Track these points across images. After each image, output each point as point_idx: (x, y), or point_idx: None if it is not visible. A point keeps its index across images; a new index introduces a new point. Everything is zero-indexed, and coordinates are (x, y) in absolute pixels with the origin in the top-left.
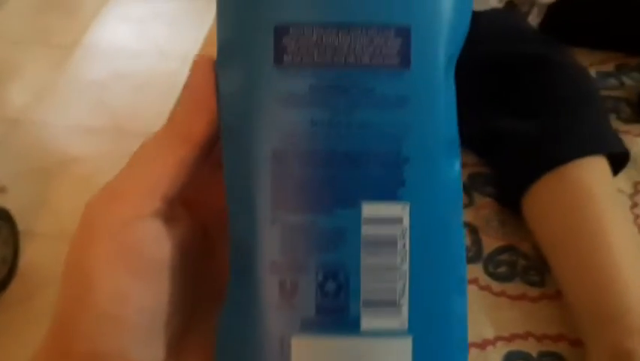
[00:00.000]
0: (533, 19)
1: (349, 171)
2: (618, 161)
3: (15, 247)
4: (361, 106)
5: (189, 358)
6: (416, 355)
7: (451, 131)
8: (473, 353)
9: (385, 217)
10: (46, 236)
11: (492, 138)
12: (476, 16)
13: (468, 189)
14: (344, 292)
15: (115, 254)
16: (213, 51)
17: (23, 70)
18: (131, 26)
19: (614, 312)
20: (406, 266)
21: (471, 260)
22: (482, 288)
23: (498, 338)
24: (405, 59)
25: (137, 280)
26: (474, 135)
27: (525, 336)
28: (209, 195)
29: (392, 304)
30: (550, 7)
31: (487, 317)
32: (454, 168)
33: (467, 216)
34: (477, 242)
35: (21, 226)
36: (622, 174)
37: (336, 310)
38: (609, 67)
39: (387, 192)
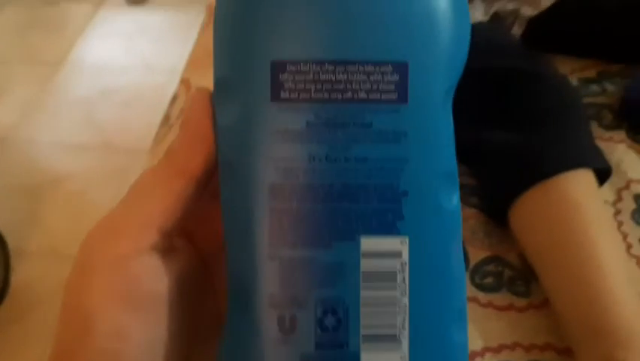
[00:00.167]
0: (516, 30)
1: (347, 206)
2: (601, 174)
3: (6, 266)
4: (359, 141)
5: None
6: None
7: (449, 164)
8: None
9: (384, 251)
10: (37, 254)
11: (477, 150)
12: None
13: None
14: (343, 327)
15: (113, 289)
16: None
17: (10, 88)
18: (117, 42)
19: (603, 324)
20: (405, 300)
21: None
22: (470, 300)
23: (486, 350)
24: (402, 94)
25: (136, 314)
26: (459, 146)
27: (513, 346)
28: (207, 225)
29: (392, 339)
30: (531, 18)
31: (474, 328)
32: (453, 200)
33: None
34: (463, 251)
35: (12, 244)
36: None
37: (336, 346)
38: (591, 73)
39: (386, 226)
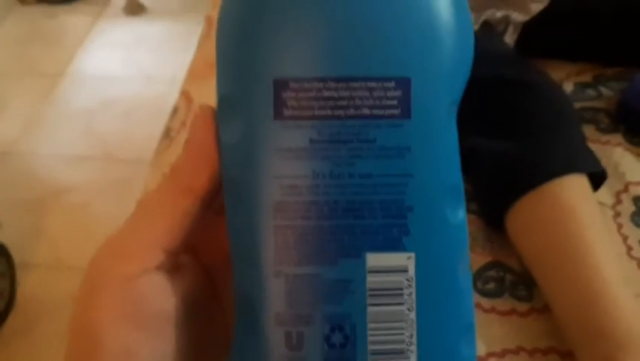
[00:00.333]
0: (509, 37)
1: (352, 222)
2: (596, 178)
3: (12, 279)
4: (363, 157)
5: None
6: None
7: (454, 178)
8: None
9: (390, 267)
10: (42, 267)
11: (471, 157)
12: None
13: None
14: (351, 343)
15: (120, 310)
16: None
17: (10, 101)
18: (116, 53)
19: (603, 327)
20: (412, 315)
21: None
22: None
23: (490, 355)
24: (405, 110)
25: (144, 335)
26: None
27: (517, 351)
28: (212, 241)
29: (400, 354)
30: (525, 23)
31: (478, 334)
32: (459, 214)
33: None
34: None
35: (17, 257)
36: (603, 185)
37: None
38: (587, 77)
39: (392, 242)
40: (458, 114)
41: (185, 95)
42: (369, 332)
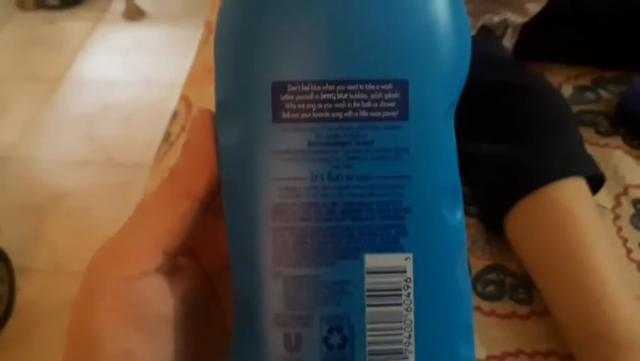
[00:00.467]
0: (508, 40)
1: (351, 224)
2: (595, 182)
3: (11, 284)
4: (361, 159)
5: None
6: None
7: (452, 179)
8: None
9: (389, 268)
10: (42, 272)
11: (470, 161)
12: None
13: None
14: (349, 344)
15: (119, 313)
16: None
17: (10, 106)
18: (115, 57)
19: (602, 329)
20: (411, 316)
21: None
22: (473, 309)
23: (490, 358)
24: (403, 112)
25: (143, 337)
26: None
27: (516, 354)
28: (211, 243)
29: (398, 355)
30: (524, 27)
31: (478, 337)
32: (457, 215)
33: None
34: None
35: (16, 262)
36: (603, 188)
37: None
38: (586, 81)
39: (390, 243)
40: (457, 118)
41: (185, 99)
42: (368, 333)
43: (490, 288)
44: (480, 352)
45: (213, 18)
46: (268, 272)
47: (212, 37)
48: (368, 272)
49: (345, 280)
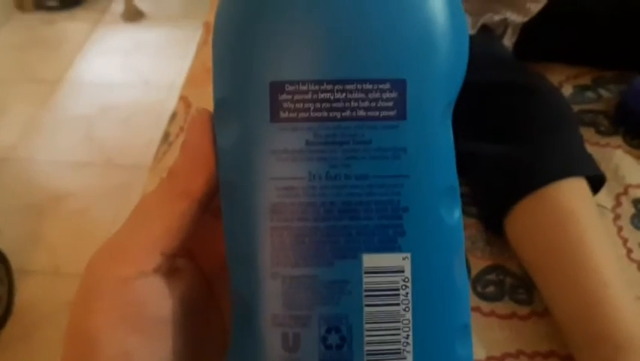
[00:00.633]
0: (508, 40)
1: (349, 223)
2: (595, 183)
3: (10, 285)
4: (359, 158)
5: None
6: None
7: (449, 179)
8: None
9: (386, 268)
10: (41, 273)
11: (470, 161)
12: None
13: None
14: (347, 344)
15: (117, 313)
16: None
17: (9, 108)
18: (115, 59)
19: (603, 330)
20: (409, 315)
21: None
22: (472, 309)
23: (490, 359)
24: (401, 111)
25: (141, 338)
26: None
27: (517, 355)
28: (209, 244)
29: (396, 354)
30: (525, 26)
31: (478, 337)
32: (454, 215)
33: None
34: (465, 261)
35: (15, 264)
36: (603, 188)
37: None
38: (586, 80)
39: (388, 243)
40: (457, 118)
41: (184, 100)
42: (366, 333)
43: (490, 288)
44: (480, 353)
45: (212, 19)
46: (266, 272)
47: (210, 39)
48: (366, 272)
49: (343, 279)
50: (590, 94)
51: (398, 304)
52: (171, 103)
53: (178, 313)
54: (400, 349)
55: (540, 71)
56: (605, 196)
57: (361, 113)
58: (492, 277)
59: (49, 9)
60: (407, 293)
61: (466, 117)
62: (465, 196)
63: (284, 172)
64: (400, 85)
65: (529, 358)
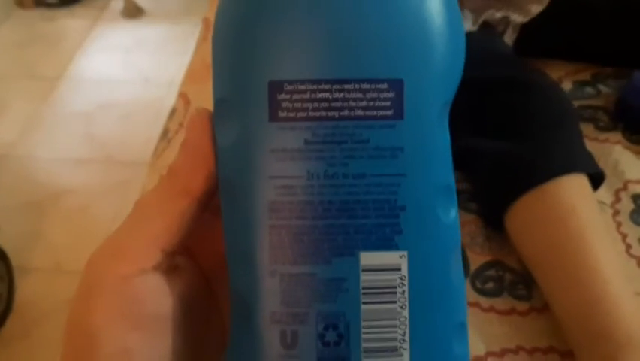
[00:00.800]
0: (508, 37)
1: (346, 222)
2: (595, 180)
3: (10, 283)
4: (357, 157)
5: None
6: None
7: (446, 178)
8: None
9: (383, 266)
10: (41, 270)
11: (471, 157)
12: None
13: None
14: (344, 341)
15: (117, 310)
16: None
17: (9, 104)
18: (114, 56)
19: (603, 327)
20: (405, 313)
21: None
22: (471, 305)
23: (489, 354)
24: (398, 111)
25: (141, 335)
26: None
27: (516, 351)
28: (208, 242)
29: (393, 352)
30: (524, 23)
31: (477, 333)
32: (451, 214)
33: None
34: (463, 259)
35: (15, 261)
36: (602, 184)
37: (338, 360)
38: (585, 76)
39: (385, 241)
40: (458, 114)
41: (183, 96)
42: (363, 330)
43: (490, 284)
44: (479, 348)
45: (211, 15)
46: (265, 270)
47: (210, 35)
48: (363, 270)
49: (341, 277)
50: (589, 89)
51: (395, 302)
52: (171, 99)
53: (178, 310)
54: (396, 346)
55: (540, 68)
56: (604, 192)
57: (359, 112)
58: (491, 272)
59: (49, 6)
60: (404, 291)
61: (467, 113)
62: (465, 192)
63: (283, 171)
64: (397, 85)
65: (529, 354)
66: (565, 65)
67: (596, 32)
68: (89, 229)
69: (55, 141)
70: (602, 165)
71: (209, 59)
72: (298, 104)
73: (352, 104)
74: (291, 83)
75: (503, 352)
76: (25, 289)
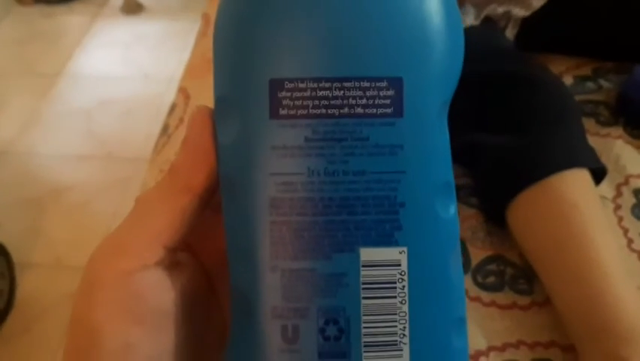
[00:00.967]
0: (509, 32)
1: (346, 218)
2: (597, 175)
3: (11, 279)
4: (356, 154)
5: None
6: None
7: (445, 175)
8: None
9: (383, 261)
10: (42, 266)
11: (473, 152)
12: None
13: None
14: (345, 336)
15: (119, 305)
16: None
17: (8, 101)
18: (114, 52)
19: (605, 322)
20: (405, 308)
21: None
22: (472, 299)
23: (491, 349)
24: (398, 109)
25: (143, 330)
26: (455, 149)
27: (517, 345)
28: (210, 239)
29: (393, 346)
30: (525, 17)
31: (478, 328)
32: (450, 210)
33: None
34: (464, 253)
35: (16, 257)
36: (604, 178)
37: (338, 355)
38: (586, 71)
39: (385, 237)
40: (460, 109)
41: (183, 91)
42: (363, 325)
43: (491, 279)
44: (481, 343)
45: (211, 11)
46: (266, 265)
47: (210, 30)
48: (363, 265)
49: (342, 272)
50: (590, 84)
51: (395, 297)
52: (171, 96)
53: (179, 306)
54: (396, 341)
55: (541, 62)
56: (605, 186)
57: (359, 110)
58: (492, 267)
59: (49, 2)
60: (404, 286)
61: (469, 108)
62: (466, 187)
63: (283, 168)
64: (396, 83)
65: (530, 348)
66: (566, 60)
67: (596, 27)
68: (90, 225)
69: (55, 138)
70: (603, 159)
71: (209, 54)
72: (299, 102)
73: (352, 102)
74: (291, 80)
75: (505, 346)
76: (26, 286)
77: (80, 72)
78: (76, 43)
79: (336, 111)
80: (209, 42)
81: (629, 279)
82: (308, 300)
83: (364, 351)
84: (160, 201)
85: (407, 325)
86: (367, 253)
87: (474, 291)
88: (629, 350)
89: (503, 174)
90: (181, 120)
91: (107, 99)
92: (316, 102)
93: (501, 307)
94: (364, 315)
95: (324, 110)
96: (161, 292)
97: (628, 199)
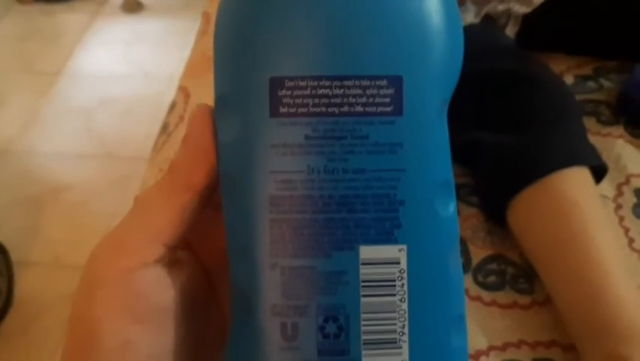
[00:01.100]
0: (510, 30)
1: (346, 216)
2: (597, 173)
3: (10, 277)
4: (356, 153)
5: None
6: None
7: (444, 173)
8: None
9: (383, 259)
10: (40, 265)
11: (473, 150)
12: None
13: None
14: (344, 333)
15: (119, 302)
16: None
17: (8, 100)
18: (115, 50)
19: (606, 321)
20: (404, 306)
21: None
22: (473, 299)
23: (491, 348)
24: (398, 107)
25: (142, 327)
26: (456, 148)
27: (518, 344)
28: (210, 236)
29: (392, 344)
30: (526, 16)
31: (479, 327)
32: (449, 208)
33: None
34: (465, 252)
35: (15, 256)
36: (605, 178)
37: (338, 352)
38: (587, 70)
39: (384, 235)
40: (460, 107)
41: (183, 90)
42: (363, 323)
43: (492, 278)
44: (481, 342)
45: (211, 9)
46: (265, 263)
47: (210, 28)
48: (363, 263)
49: (341, 270)
50: (591, 84)
51: (394, 295)
52: (171, 94)
53: (179, 304)
54: (395, 338)
55: (542, 61)
56: (606, 186)
57: (359, 108)
58: (493, 266)
59: (49, 0)
60: (403, 284)
61: (470, 106)
62: (466, 186)
63: (283, 166)
64: (396, 81)
65: (531, 347)
66: (566, 59)
67: (597, 25)
68: (89, 224)
69: (55, 136)
70: (604, 159)
71: (209, 53)
72: (299, 100)
73: (352, 100)
74: (291, 79)
75: (505, 346)
76: (25, 284)
77: (79, 71)
78: (76, 41)
79: (336, 109)
80: (209, 40)
81: (629, 278)
82: (307, 298)
83: (364, 349)
84: (160, 198)
85: (406, 322)
86: (367, 251)
87: (475, 290)
88: (629, 348)
89: (503, 173)
90: (181, 119)
91: (107, 98)
92: (316, 100)
93: (502, 306)
94: (364, 313)
95: (324, 109)
96: (161, 290)
97: (629, 199)
